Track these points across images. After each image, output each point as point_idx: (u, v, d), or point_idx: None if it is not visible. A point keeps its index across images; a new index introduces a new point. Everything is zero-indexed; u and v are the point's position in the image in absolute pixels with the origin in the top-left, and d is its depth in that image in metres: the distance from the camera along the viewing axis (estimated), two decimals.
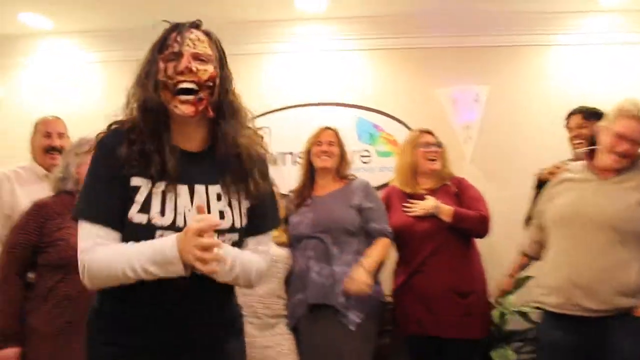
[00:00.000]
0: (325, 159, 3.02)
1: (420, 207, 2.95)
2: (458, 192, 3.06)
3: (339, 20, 4.34)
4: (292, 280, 2.94)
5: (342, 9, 4.19)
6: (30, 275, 2.42)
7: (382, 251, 2.88)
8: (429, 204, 2.92)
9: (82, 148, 2.53)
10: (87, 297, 2.24)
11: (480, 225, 2.97)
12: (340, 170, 3.07)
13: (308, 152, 3.09)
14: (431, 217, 2.93)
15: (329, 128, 3.12)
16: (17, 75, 4.59)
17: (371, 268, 2.78)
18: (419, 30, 4.30)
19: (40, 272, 2.37)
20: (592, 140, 2.99)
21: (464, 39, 4.29)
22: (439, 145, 3.14)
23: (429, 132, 3.19)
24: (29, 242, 2.36)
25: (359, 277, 2.71)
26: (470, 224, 2.94)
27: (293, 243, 2.99)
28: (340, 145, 3.08)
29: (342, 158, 3.08)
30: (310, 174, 3.10)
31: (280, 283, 2.94)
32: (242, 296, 2.81)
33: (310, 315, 2.80)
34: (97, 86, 4.50)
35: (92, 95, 4.45)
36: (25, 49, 4.55)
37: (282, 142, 4.22)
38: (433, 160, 3.10)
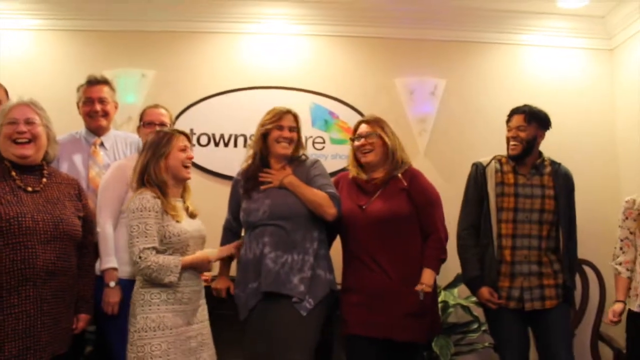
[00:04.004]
0: (285, 147, 2.84)
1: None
2: (409, 187, 2.84)
3: (299, 4, 4.24)
4: (244, 268, 2.77)
5: None
6: None
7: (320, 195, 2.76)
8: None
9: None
10: (7, 269, 2.15)
11: (445, 249, 2.84)
12: (293, 156, 2.90)
13: (264, 135, 2.86)
14: (380, 204, 2.80)
15: (290, 112, 2.88)
16: None
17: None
18: (380, 19, 4.27)
19: None
20: (527, 145, 2.95)
21: (425, 31, 4.29)
22: (369, 136, 2.90)
23: (366, 122, 2.96)
24: None
25: None
26: (444, 257, 2.84)
27: (247, 229, 2.83)
28: (299, 131, 2.91)
29: (299, 145, 2.93)
30: (264, 156, 2.88)
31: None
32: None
33: (263, 303, 2.67)
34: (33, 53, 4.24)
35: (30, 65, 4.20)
36: None
37: (236, 124, 4.18)
38: (366, 152, 2.90)
